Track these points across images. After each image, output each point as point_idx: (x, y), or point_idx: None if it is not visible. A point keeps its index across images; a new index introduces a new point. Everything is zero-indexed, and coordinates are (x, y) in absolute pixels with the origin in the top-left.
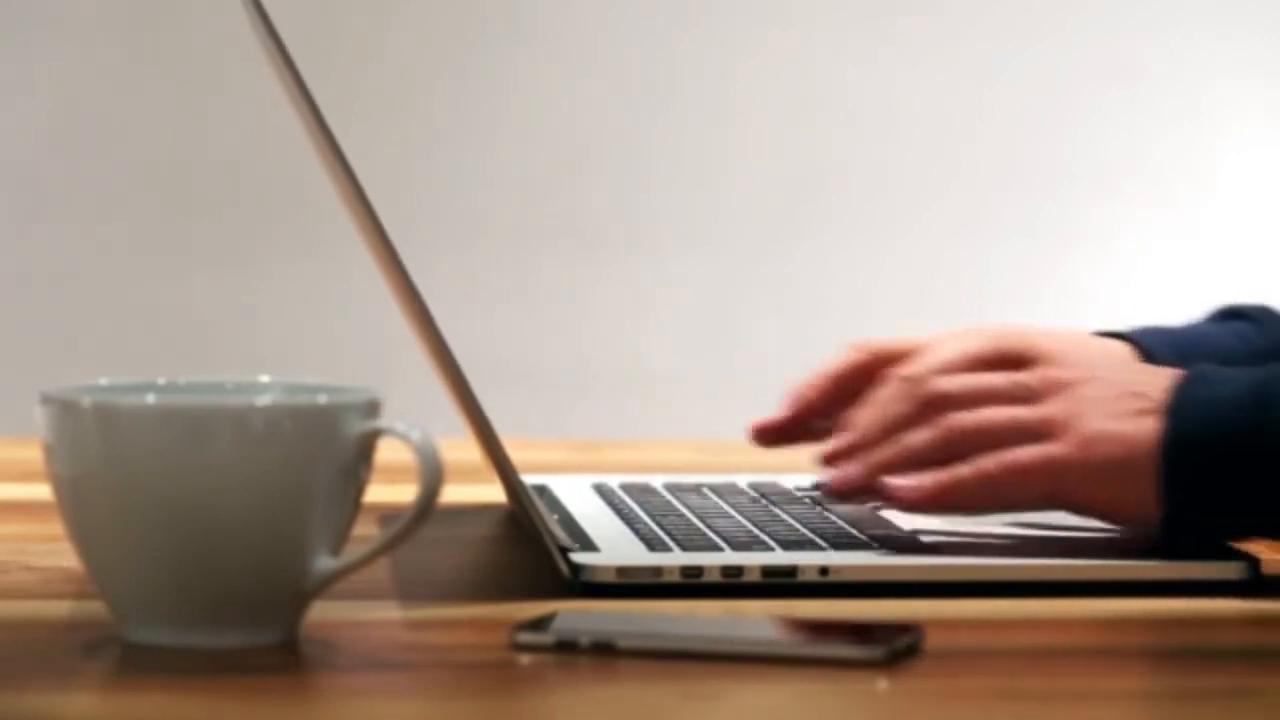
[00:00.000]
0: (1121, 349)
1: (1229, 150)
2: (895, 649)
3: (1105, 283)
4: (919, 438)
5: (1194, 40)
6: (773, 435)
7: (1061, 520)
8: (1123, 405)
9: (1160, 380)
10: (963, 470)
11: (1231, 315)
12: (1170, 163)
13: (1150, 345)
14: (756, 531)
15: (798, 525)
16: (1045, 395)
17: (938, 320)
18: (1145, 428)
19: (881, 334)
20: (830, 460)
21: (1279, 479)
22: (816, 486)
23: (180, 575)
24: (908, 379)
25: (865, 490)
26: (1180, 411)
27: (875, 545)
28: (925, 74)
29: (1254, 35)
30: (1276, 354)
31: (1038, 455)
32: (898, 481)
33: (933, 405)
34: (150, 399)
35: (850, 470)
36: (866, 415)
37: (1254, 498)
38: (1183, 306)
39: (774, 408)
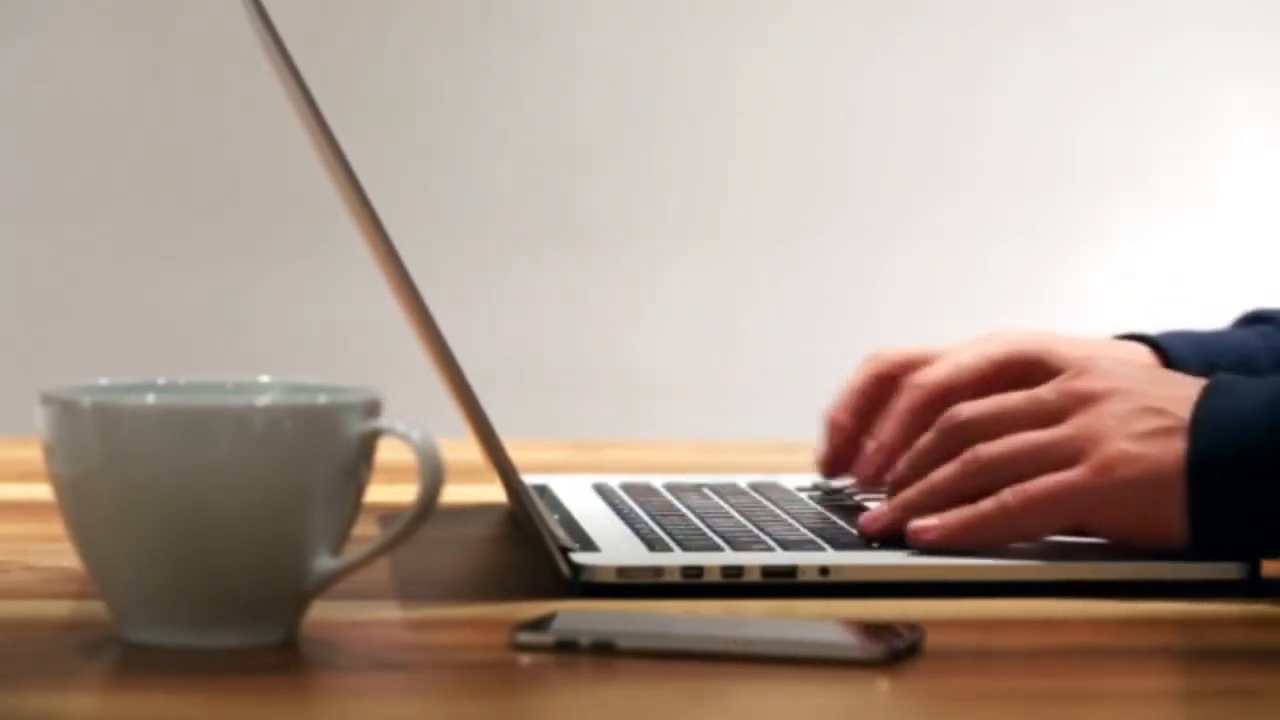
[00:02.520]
0: (1143, 353)
1: (1230, 152)
2: (895, 649)
3: (1106, 284)
4: (943, 474)
5: (1196, 42)
6: (829, 466)
7: None
8: (1144, 424)
9: (1182, 393)
10: (985, 507)
11: (1256, 319)
12: (1172, 164)
13: (1174, 348)
14: (756, 531)
15: (798, 525)
16: (1065, 412)
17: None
18: (1168, 449)
19: (882, 336)
20: (859, 481)
21: None
22: (816, 487)
23: (180, 575)
24: (918, 386)
25: (895, 530)
26: (1203, 430)
27: (875, 545)
28: (926, 75)
29: (1256, 37)
30: None
31: (1058, 485)
32: (922, 524)
33: (954, 435)
34: (150, 399)
35: (880, 512)
36: (888, 430)
37: None
38: (1184, 308)
39: (788, 410)
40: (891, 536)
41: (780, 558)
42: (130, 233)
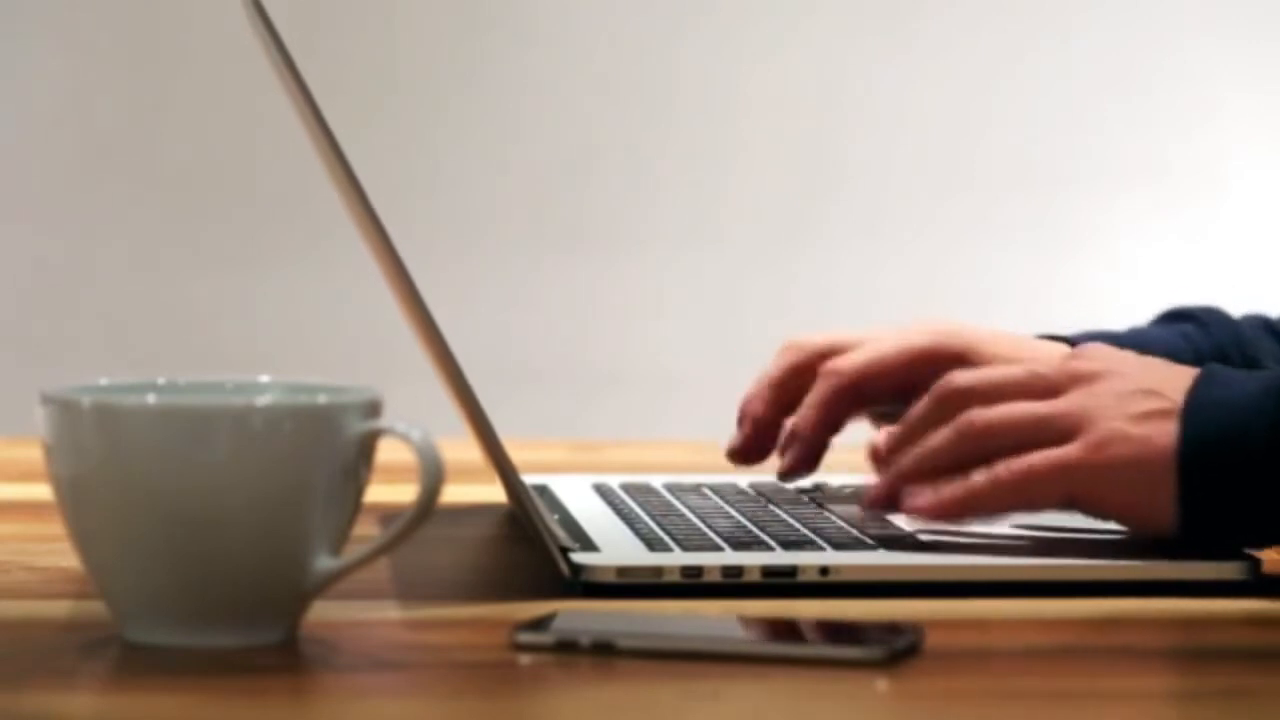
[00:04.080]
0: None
1: (1237, 155)
2: (895, 649)
3: (1112, 287)
4: (937, 439)
5: (1203, 46)
6: (743, 456)
7: (1061, 520)
8: (1139, 405)
9: (1176, 379)
10: (978, 479)
11: (1177, 317)
12: (1178, 167)
13: None
14: (756, 531)
15: (798, 525)
16: (1062, 388)
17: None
18: (1161, 431)
19: None
20: (780, 471)
21: None
22: (817, 487)
23: (180, 575)
24: (834, 373)
25: (892, 500)
26: (1196, 414)
27: (875, 545)
28: (932, 77)
29: (1263, 41)
30: (1219, 355)
31: (1052, 460)
32: (917, 497)
33: (951, 401)
34: (150, 399)
35: (878, 484)
36: (804, 417)
37: (1274, 502)
38: None
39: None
40: (891, 538)
41: (780, 558)
42: (130, 233)
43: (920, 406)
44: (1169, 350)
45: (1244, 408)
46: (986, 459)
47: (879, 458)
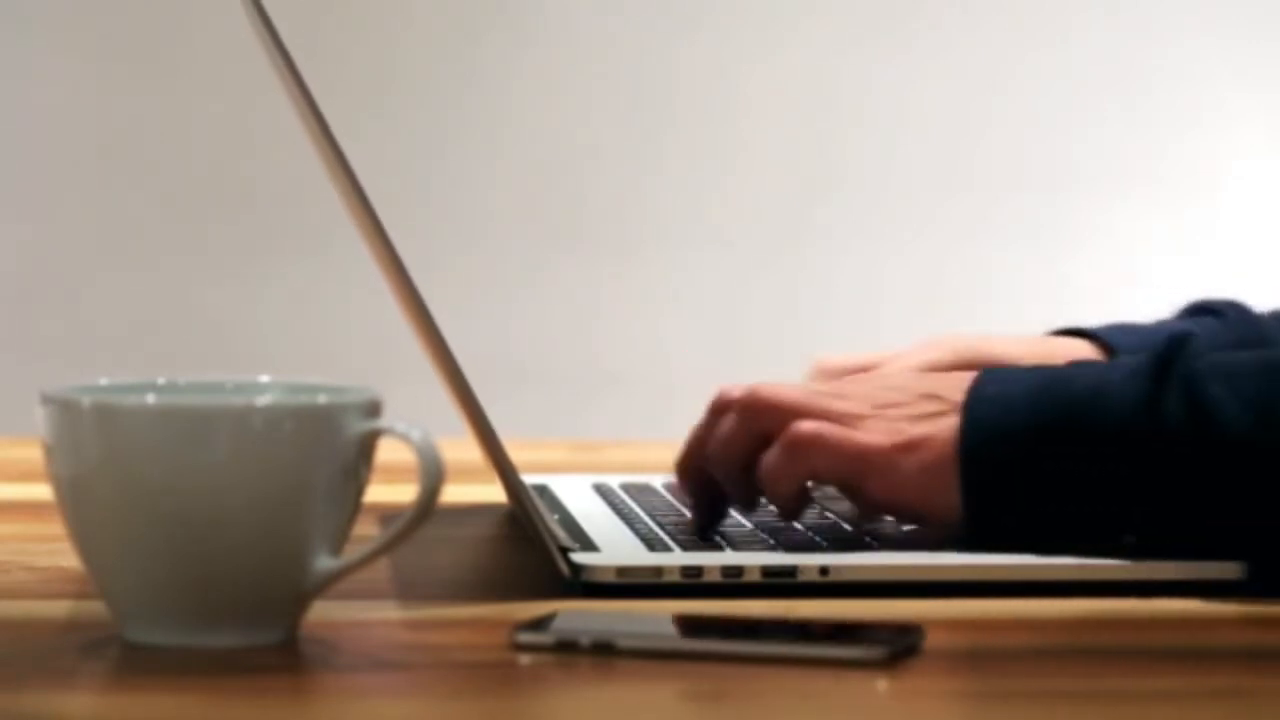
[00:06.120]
0: (1084, 349)
1: (1235, 156)
2: (895, 649)
3: (1112, 288)
4: (725, 422)
5: (1201, 46)
6: None
7: None
8: (920, 408)
9: (958, 383)
10: (769, 452)
11: (1200, 310)
12: (1177, 168)
13: (1116, 342)
14: (756, 531)
15: (798, 525)
16: (842, 397)
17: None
18: (943, 426)
19: (887, 338)
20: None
21: (1081, 479)
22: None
23: (180, 575)
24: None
25: (698, 498)
26: (974, 407)
27: (875, 545)
28: (933, 78)
29: (1262, 41)
30: (1237, 348)
31: (842, 433)
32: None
33: (725, 408)
34: (150, 399)
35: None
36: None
37: (1056, 494)
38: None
39: None
40: (891, 538)
41: (780, 558)
42: (130, 233)
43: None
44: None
45: (1020, 398)
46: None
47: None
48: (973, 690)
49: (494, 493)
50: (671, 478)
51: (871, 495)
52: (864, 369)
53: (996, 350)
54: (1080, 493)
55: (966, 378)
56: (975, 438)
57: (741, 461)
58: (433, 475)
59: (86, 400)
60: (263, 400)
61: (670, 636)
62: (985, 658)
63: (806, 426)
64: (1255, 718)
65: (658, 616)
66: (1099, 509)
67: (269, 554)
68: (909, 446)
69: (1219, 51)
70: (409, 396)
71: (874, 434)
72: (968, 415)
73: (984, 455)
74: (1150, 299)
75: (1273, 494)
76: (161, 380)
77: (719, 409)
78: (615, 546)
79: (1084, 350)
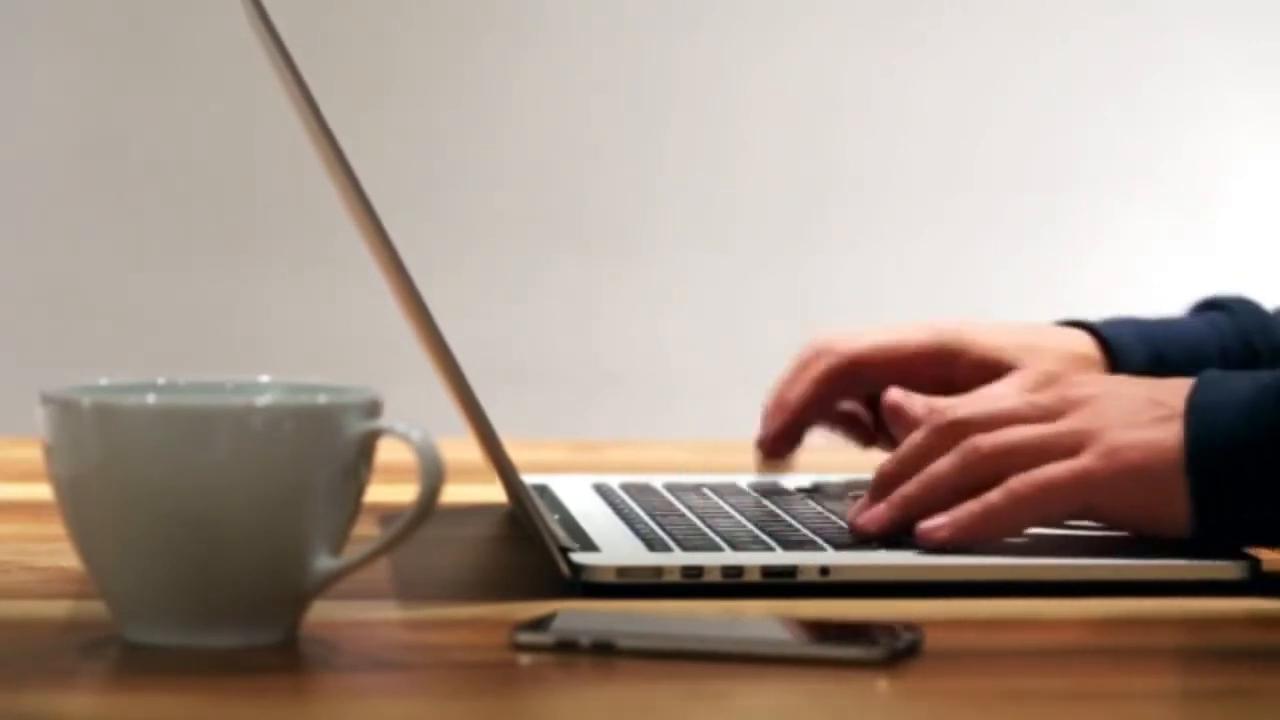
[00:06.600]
0: (1083, 340)
1: (1235, 156)
2: (895, 649)
3: (1112, 287)
4: (941, 466)
5: (1203, 45)
6: (773, 446)
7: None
8: (1144, 413)
9: (1173, 389)
10: (993, 498)
11: (1209, 306)
12: (1177, 168)
13: (1115, 335)
14: (756, 531)
15: (798, 525)
16: (1060, 414)
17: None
18: (1170, 433)
19: None
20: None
21: None
22: (816, 487)
23: (180, 575)
24: (832, 353)
25: (894, 529)
26: (1198, 413)
27: (875, 545)
28: (933, 78)
29: (1262, 40)
30: (1244, 343)
31: (1067, 472)
32: (932, 524)
33: (948, 433)
34: (150, 399)
35: (878, 511)
36: (795, 390)
37: None
38: None
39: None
40: (891, 538)
41: (780, 558)
42: (130, 233)
43: (917, 436)
44: (1194, 336)
45: (1244, 405)
46: (994, 482)
47: (876, 485)
48: (973, 690)
49: (494, 493)
50: (672, 478)
51: (1098, 518)
52: (861, 365)
53: (981, 337)
54: None
55: (1182, 383)
56: (1203, 441)
57: (952, 500)
58: (433, 475)
59: (86, 400)
60: (263, 400)
61: (670, 636)
62: (985, 658)
63: (1030, 482)
64: (1255, 718)
65: (658, 616)
66: None
67: (269, 554)
68: (1129, 468)
69: (1219, 51)
70: (409, 396)
71: (1097, 456)
72: (1192, 420)
73: (1212, 460)
74: (1151, 298)
75: None
76: (161, 380)
77: (941, 431)
78: (615, 546)
79: (1078, 341)
